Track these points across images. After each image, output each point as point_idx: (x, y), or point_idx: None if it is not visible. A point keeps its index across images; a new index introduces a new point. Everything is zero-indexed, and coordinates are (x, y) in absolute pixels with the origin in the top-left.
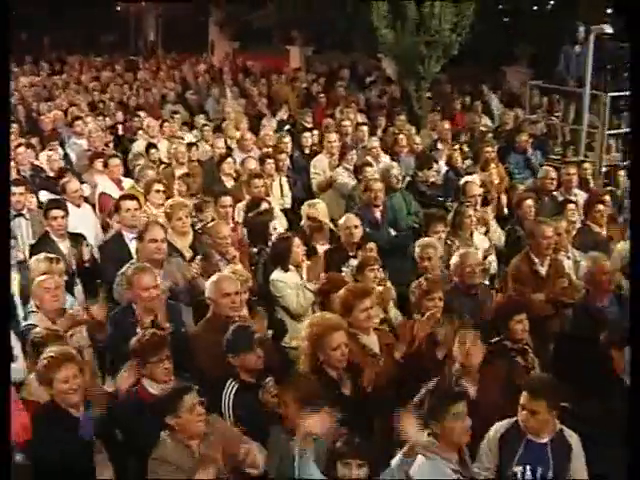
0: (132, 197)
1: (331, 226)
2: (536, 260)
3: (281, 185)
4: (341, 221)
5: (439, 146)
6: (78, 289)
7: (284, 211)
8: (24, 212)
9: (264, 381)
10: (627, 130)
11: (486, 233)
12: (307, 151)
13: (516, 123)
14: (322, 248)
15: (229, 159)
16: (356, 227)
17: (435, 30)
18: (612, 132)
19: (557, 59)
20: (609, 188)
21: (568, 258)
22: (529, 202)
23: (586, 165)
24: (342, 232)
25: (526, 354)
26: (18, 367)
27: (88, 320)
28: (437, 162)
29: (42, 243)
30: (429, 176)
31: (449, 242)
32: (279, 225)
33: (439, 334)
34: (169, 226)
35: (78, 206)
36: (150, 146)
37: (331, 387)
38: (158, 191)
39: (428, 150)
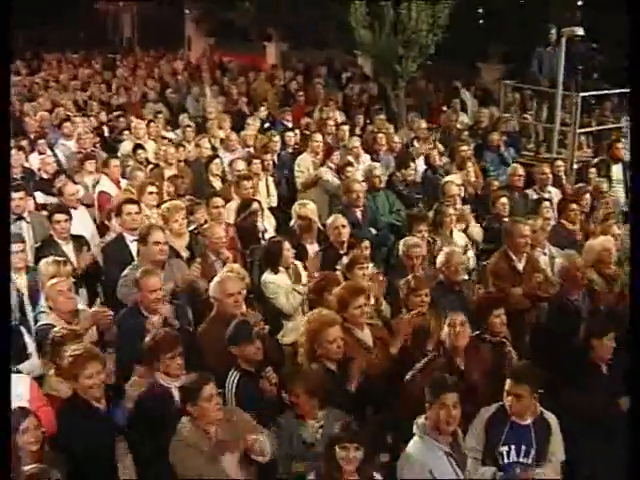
0: (133, 201)
1: (319, 226)
2: (514, 257)
3: (267, 184)
4: (329, 221)
5: (416, 144)
6: (81, 290)
7: (270, 209)
8: (25, 215)
9: (264, 371)
10: (598, 128)
11: (465, 230)
12: (290, 150)
13: (491, 121)
14: (311, 247)
15: (217, 160)
16: (344, 227)
17: (412, 31)
18: (583, 130)
19: (529, 57)
20: (582, 187)
21: (544, 254)
22: (503, 200)
23: (559, 162)
24: (330, 232)
25: (504, 346)
26: (33, 363)
27: (102, 320)
28: (414, 161)
29: (47, 246)
30: (407, 175)
31: (430, 240)
32: (268, 224)
33: (427, 327)
34: (166, 228)
35: (75, 208)
36: (137, 147)
37: (331, 378)
38: (151, 193)
39: (406, 148)
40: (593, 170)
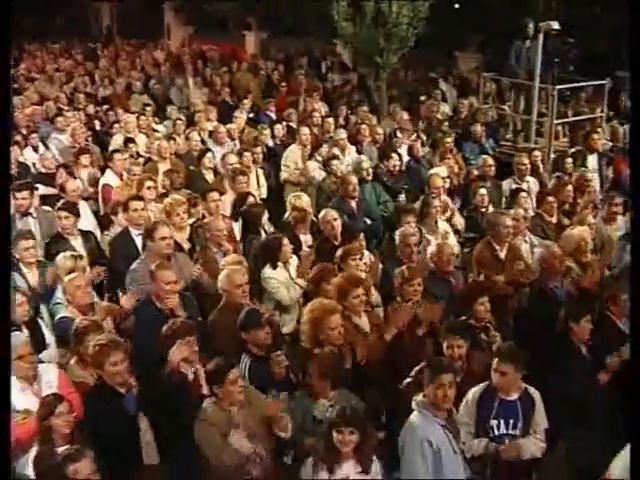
0: (139, 198)
1: (313, 217)
2: (496, 246)
3: (257, 176)
4: (321, 215)
5: (399, 135)
6: None
7: (261, 201)
8: (31, 211)
9: (273, 355)
10: (574, 119)
11: (449, 220)
12: (277, 142)
13: (470, 111)
14: (304, 238)
15: (209, 154)
16: (335, 220)
17: (393, 24)
18: (560, 121)
19: (506, 46)
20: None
21: (525, 242)
22: (482, 191)
23: (536, 153)
24: (323, 226)
25: (488, 330)
26: (52, 353)
27: (119, 311)
28: (397, 152)
29: (56, 242)
30: (391, 166)
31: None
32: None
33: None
34: (169, 222)
35: (75, 203)
36: (128, 140)
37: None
38: (149, 187)
39: (389, 140)
40: (569, 160)
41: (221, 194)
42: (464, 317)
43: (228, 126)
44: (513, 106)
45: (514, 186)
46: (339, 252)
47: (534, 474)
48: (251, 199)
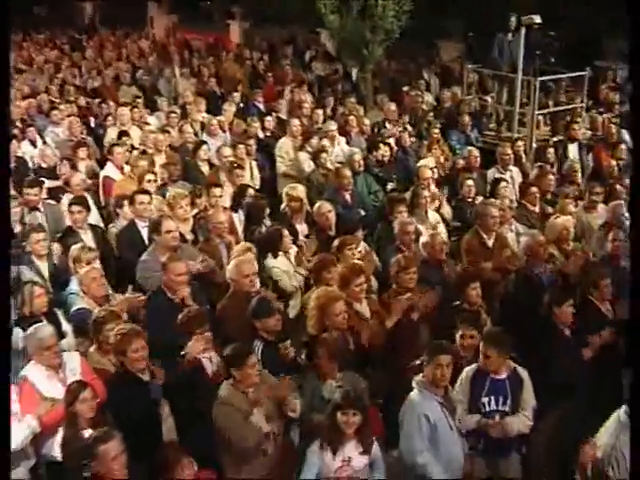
0: (145, 191)
1: (308, 208)
2: (484, 235)
3: (251, 168)
4: (315, 208)
5: (388, 126)
6: None
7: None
8: (38, 205)
9: (282, 343)
10: (555, 109)
11: (438, 209)
12: (268, 134)
13: (454, 101)
14: (300, 227)
15: (204, 146)
16: (330, 212)
17: (379, 17)
18: (542, 112)
19: (488, 36)
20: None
21: (511, 231)
22: (469, 182)
23: (519, 143)
24: (318, 218)
25: (480, 314)
26: (70, 342)
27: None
28: (387, 143)
29: (67, 235)
30: (379, 156)
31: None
32: None
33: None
34: (172, 214)
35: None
36: (122, 134)
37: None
38: (149, 181)
39: (377, 131)
40: (551, 150)
41: (217, 185)
42: (457, 302)
43: (218, 118)
44: (496, 97)
45: (498, 175)
46: (336, 242)
47: (524, 447)
48: (251, 191)
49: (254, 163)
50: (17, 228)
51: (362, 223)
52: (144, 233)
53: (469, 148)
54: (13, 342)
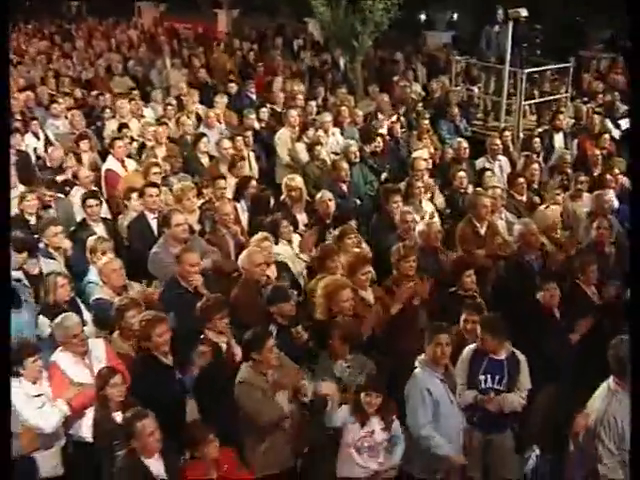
0: (154, 184)
1: (307, 197)
2: (477, 224)
3: (249, 159)
4: (318, 196)
5: (380, 116)
6: None
7: None
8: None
9: (294, 328)
10: (541, 100)
11: (431, 199)
12: (263, 125)
13: (443, 91)
14: (300, 216)
15: (204, 138)
16: (330, 200)
17: (369, 10)
18: (528, 102)
19: (474, 26)
20: (529, 155)
21: (502, 219)
22: (461, 174)
23: (507, 133)
24: (319, 205)
25: (475, 299)
26: (90, 330)
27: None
28: (380, 133)
29: (80, 229)
30: (373, 147)
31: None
32: None
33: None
34: (180, 206)
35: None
36: (122, 126)
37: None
38: (155, 173)
39: (369, 121)
40: (537, 140)
41: (217, 177)
42: (453, 288)
43: (213, 110)
44: (484, 88)
45: (484, 165)
46: (336, 232)
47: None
48: (253, 182)
49: (252, 154)
50: (32, 221)
51: (356, 213)
52: (153, 225)
53: (458, 139)
54: (39, 330)
